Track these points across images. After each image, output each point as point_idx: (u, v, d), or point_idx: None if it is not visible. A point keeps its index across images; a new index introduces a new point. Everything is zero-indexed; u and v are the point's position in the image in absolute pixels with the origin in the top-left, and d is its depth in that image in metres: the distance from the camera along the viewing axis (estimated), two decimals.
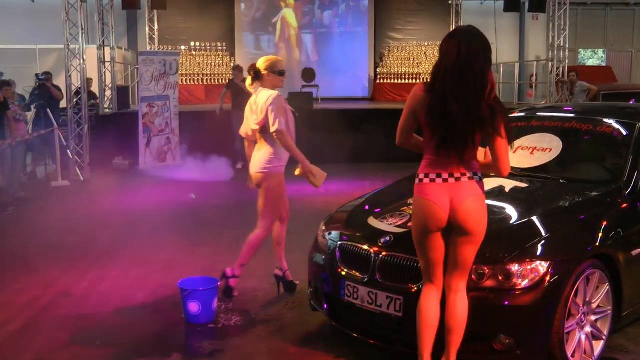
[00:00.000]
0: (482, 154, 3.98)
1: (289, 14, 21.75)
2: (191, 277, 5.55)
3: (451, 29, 22.47)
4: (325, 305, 4.72)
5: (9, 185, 10.40)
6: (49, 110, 12.47)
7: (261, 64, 5.57)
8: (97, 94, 15.67)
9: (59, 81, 14.08)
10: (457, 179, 3.72)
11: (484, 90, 3.61)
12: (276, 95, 5.42)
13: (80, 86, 13.28)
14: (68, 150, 12.68)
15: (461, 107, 3.59)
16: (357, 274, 4.37)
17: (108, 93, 16.21)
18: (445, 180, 3.72)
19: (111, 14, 16.60)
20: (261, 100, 5.46)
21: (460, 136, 3.63)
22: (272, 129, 5.34)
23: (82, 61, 13.22)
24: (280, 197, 5.69)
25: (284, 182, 5.71)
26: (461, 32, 3.76)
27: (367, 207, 4.98)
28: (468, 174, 3.73)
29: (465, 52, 3.59)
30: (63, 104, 13.63)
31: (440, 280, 3.89)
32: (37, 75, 13.53)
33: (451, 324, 3.80)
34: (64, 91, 13.43)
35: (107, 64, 16.08)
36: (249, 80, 5.65)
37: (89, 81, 13.50)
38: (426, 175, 3.77)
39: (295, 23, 21.75)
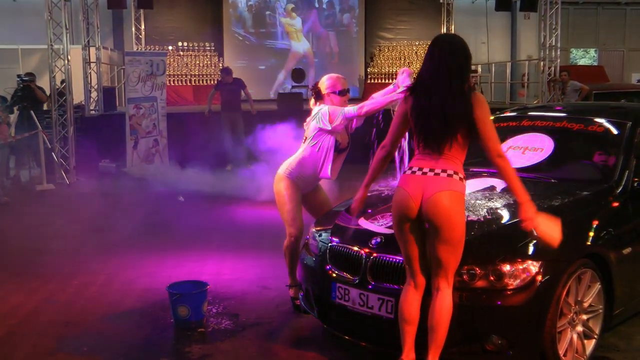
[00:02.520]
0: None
1: (286, 21, 21.78)
2: (180, 280, 5.57)
3: (442, 28, 22.80)
4: (316, 308, 4.75)
5: None
6: (32, 112, 12.42)
7: (322, 83, 5.51)
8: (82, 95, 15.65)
9: (43, 82, 14.03)
10: (436, 174, 3.85)
11: (461, 88, 3.85)
12: (327, 107, 5.37)
13: (63, 87, 13.25)
14: (53, 153, 12.65)
15: (437, 104, 3.85)
16: (348, 276, 4.40)
17: (94, 94, 16.15)
18: (424, 173, 3.88)
19: (96, 13, 16.52)
20: (314, 112, 5.46)
21: (437, 132, 3.85)
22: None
23: (66, 62, 13.18)
24: (283, 204, 5.57)
25: (293, 194, 5.49)
26: (441, 38, 4.14)
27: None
28: (448, 171, 3.85)
29: (441, 54, 3.90)
30: (47, 105, 13.60)
31: (418, 277, 3.96)
32: (19, 76, 13.45)
33: (429, 323, 3.86)
34: (47, 93, 13.38)
35: (92, 65, 16.02)
36: (312, 100, 5.63)
37: (62, 83, 13.41)
38: (410, 168, 3.97)
39: (297, 31, 21.78)
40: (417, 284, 3.97)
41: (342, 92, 5.45)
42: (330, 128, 5.28)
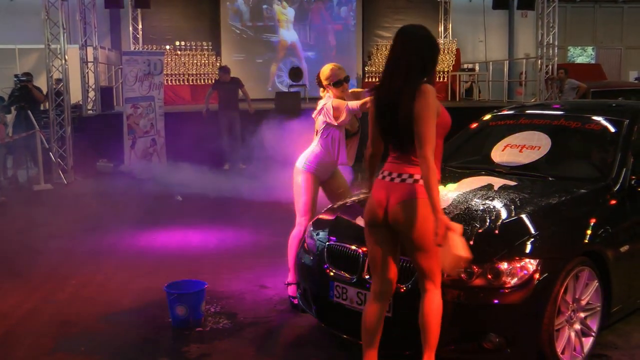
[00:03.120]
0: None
1: (280, 10, 21.78)
2: (178, 280, 5.56)
3: (440, 27, 22.76)
4: (314, 307, 4.76)
5: None
6: (29, 112, 12.41)
7: (322, 73, 5.56)
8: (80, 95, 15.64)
9: (40, 82, 14.01)
10: (402, 180, 3.73)
11: (415, 83, 3.66)
12: (331, 101, 5.43)
13: (61, 87, 13.25)
14: (50, 153, 12.64)
15: (395, 103, 3.70)
16: (346, 275, 4.40)
17: (91, 94, 16.15)
18: (391, 179, 3.78)
19: (93, 12, 16.50)
20: (319, 105, 5.54)
21: (398, 133, 3.73)
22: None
23: (63, 61, 13.18)
24: (299, 195, 5.62)
25: (310, 186, 5.55)
26: (404, 29, 3.85)
27: (356, 206, 5.00)
28: (415, 176, 3.71)
29: (403, 48, 3.75)
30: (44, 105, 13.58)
31: (383, 284, 3.90)
32: (16, 76, 13.44)
33: (420, 324, 3.80)
34: (44, 92, 13.36)
35: (89, 64, 16.02)
36: (321, 88, 5.67)
37: (57, 82, 13.39)
38: (381, 172, 3.88)
39: (288, 21, 21.79)
40: (382, 291, 3.92)
41: (337, 84, 5.49)
42: (336, 124, 5.41)
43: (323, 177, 5.63)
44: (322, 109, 5.46)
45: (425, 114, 3.60)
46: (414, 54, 3.70)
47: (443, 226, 3.50)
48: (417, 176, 3.70)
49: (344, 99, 5.49)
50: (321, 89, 5.65)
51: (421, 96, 3.61)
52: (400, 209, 3.70)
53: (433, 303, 3.77)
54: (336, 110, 5.35)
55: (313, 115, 5.62)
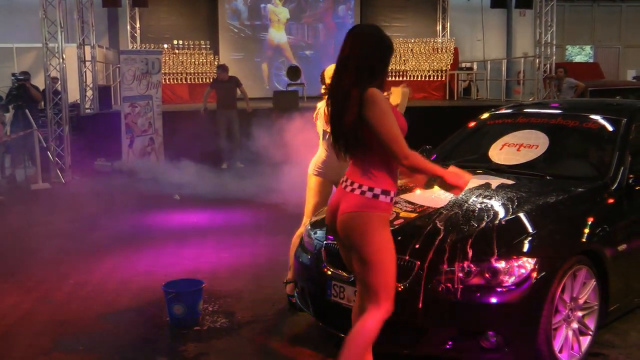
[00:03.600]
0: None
1: (273, 12, 21.79)
2: (176, 279, 5.57)
3: (438, 26, 22.77)
4: (312, 306, 4.76)
5: None
6: (27, 111, 12.40)
7: (326, 72, 5.45)
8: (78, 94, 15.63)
9: (38, 81, 14.00)
10: (352, 190, 3.50)
11: (362, 87, 3.40)
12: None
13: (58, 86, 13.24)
14: (48, 152, 12.63)
15: (339, 107, 3.50)
16: (343, 274, 4.40)
17: (89, 93, 16.14)
18: (345, 187, 3.57)
19: (91, 11, 16.45)
20: (317, 108, 5.52)
21: (343, 140, 3.53)
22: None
23: (61, 60, 13.17)
24: (311, 197, 5.60)
25: (322, 190, 5.56)
26: (352, 29, 3.58)
27: None
28: (363, 187, 3.47)
29: (352, 49, 3.47)
30: (42, 104, 13.57)
31: (357, 283, 3.77)
32: (14, 74, 13.44)
33: (346, 339, 3.57)
34: (42, 91, 13.35)
35: (87, 63, 16.00)
36: (322, 87, 5.62)
37: (53, 80, 13.38)
38: (342, 178, 3.66)
39: (280, 22, 21.80)
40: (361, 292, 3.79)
41: None
42: (329, 131, 5.33)
43: (335, 177, 5.61)
44: (318, 112, 5.44)
45: (383, 120, 3.36)
46: (362, 56, 3.44)
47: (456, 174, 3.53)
48: (365, 187, 3.46)
49: None
50: (323, 87, 5.63)
51: (371, 104, 3.36)
52: (345, 220, 3.51)
53: (365, 326, 3.51)
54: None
55: (314, 119, 5.60)
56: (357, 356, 3.49)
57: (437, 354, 4.09)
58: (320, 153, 5.54)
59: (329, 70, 5.49)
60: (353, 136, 3.45)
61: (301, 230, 5.57)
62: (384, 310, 3.52)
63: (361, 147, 3.48)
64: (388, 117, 3.37)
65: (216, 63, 19.12)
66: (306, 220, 5.57)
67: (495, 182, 4.96)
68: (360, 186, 3.48)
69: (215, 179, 11.91)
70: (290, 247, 5.60)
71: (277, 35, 21.85)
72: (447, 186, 3.59)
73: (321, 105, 5.44)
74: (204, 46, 20.78)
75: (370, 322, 3.51)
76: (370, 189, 3.47)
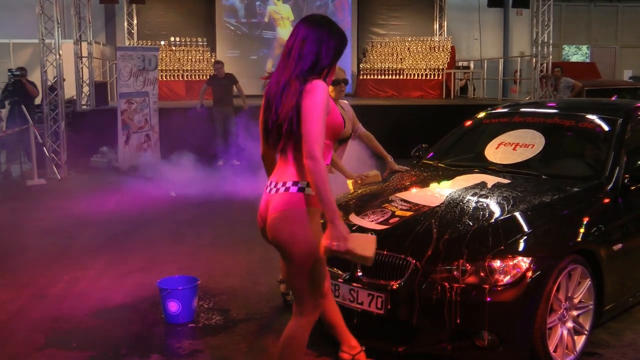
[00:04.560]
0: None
1: (274, 11, 21.77)
2: (170, 276, 5.55)
3: (435, 24, 22.77)
4: None
5: None
6: (23, 106, 12.37)
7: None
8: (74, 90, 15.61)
9: (34, 77, 13.97)
10: (276, 190, 3.35)
11: (305, 77, 3.24)
12: None
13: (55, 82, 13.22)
14: (44, 148, 12.60)
15: (277, 95, 3.31)
16: (339, 272, 4.39)
17: (86, 89, 16.12)
18: (270, 191, 3.40)
19: (88, 7, 16.46)
20: None
21: (272, 128, 3.35)
22: None
23: (57, 56, 13.14)
24: None
25: None
26: (302, 19, 3.41)
27: (348, 203, 5.00)
28: (287, 184, 3.32)
29: (296, 37, 3.32)
30: (38, 100, 13.54)
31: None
32: (10, 70, 13.42)
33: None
34: (39, 87, 13.33)
35: (84, 60, 15.99)
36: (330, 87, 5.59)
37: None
38: (267, 184, 3.50)
39: (284, 19, 21.78)
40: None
41: (335, 82, 5.40)
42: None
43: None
44: None
45: (311, 111, 3.16)
46: (308, 45, 3.27)
47: (341, 236, 3.14)
48: (288, 183, 3.31)
49: (338, 100, 5.47)
50: (330, 89, 5.56)
51: (308, 92, 3.18)
52: (273, 221, 3.31)
53: (293, 335, 3.48)
54: None
55: None
56: None
57: (432, 352, 4.08)
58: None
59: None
60: (288, 129, 3.23)
61: None
62: (310, 314, 3.46)
63: (291, 142, 3.28)
64: (318, 110, 3.17)
65: (213, 60, 19.10)
66: None
67: (491, 181, 4.95)
68: (283, 184, 3.32)
69: (211, 176, 11.91)
70: None
71: (284, 32, 21.82)
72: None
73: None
74: (201, 43, 20.77)
75: (299, 331, 3.46)
76: (295, 183, 3.30)
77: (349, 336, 4.03)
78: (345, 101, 5.66)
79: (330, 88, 5.39)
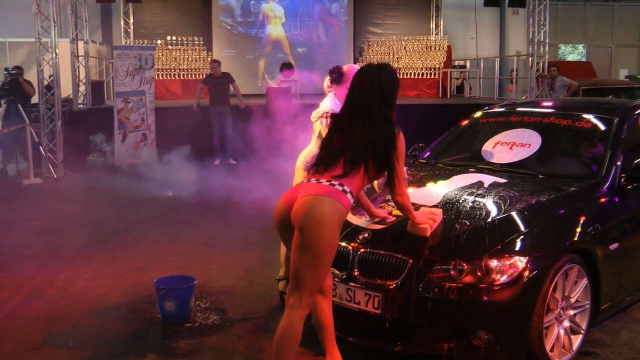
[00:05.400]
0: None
1: (269, 9, 21.76)
2: (167, 275, 5.55)
3: (432, 23, 22.80)
4: None
5: None
6: (19, 105, 12.35)
7: (347, 69, 5.29)
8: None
9: (30, 76, 13.94)
10: (319, 181, 3.67)
11: (391, 118, 3.79)
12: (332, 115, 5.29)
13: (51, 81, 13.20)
14: (40, 147, 12.57)
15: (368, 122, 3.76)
16: (336, 271, 4.38)
17: (82, 88, 16.09)
18: (308, 181, 3.76)
19: (84, 6, 16.38)
20: (320, 109, 5.34)
21: (356, 148, 3.74)
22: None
23: (54, 55, 13.10)
24: None
25: None
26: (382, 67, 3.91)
27: None
28: (333, 182, 3.64)
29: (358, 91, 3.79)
30: (35, 99, 13.52)
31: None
32: (6, 69, 13.39)
33: (273, 344, 3.68)
34: (35, 86, 13.30)
35: (80, 58, 15.96)
36: (327, 81, 5.48)
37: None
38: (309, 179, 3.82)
39: (276, 17, 21.77)
40: (323, 289, 3.92)
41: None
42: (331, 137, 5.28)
43: None
44: (318, 116, 5.28)
45: (400, 160, 3.81)
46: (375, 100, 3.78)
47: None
48: (335, 182, 3.61)
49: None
50: (328, 81, 5.43)
51: (400, 141, 3.78)
52: (307, 201, 3.55)
53: (291, 327, 3.60)
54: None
55: (312, 118, 5.46)
56: (284, 355, 3.60)
57: (428, 352, 4.08)
58: (312, 150, 5.49)
59: (351, 69, 5.30)
60: (384, 151, 3.69)
61: None
62: (305, 306, 3.63)
63: (365, 165, 3.68)
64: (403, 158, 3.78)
65: (209, 59, 19.08)
66: None
67: (487, 180, 4.95)
68: (329, 181, 3.62)
69: (208, 175, 11.90)
70: (280, 244, 5.58)
71: (275, 29, 21.81)
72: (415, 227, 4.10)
73: (327, 109, 5.17)
74: (197, 42, 20.73)
75: (296, 323, 3.60)
76: (341, 185, 3.61)
77: (334, 347, 4.05)
78: None
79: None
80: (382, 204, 4.70)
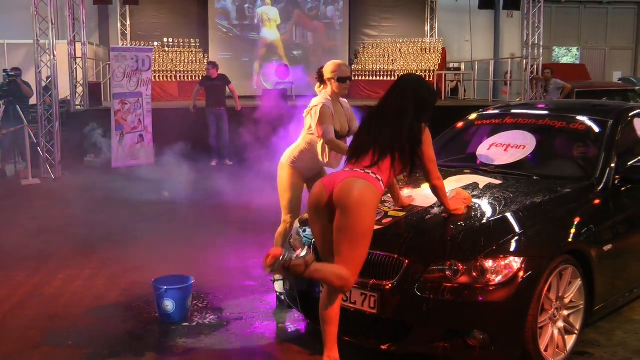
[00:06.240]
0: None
1: (265, 11, 21.78)
2: (165, 275, 5.55)
3: (426, 26, 22.82)
4: (300, 302, 4.75)
5: None
6: (18, 106, 12.34)
7: (326, 67, 5.48)
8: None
9: (28, 77, 13.93)
10: (353, 169, 4.02)
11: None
12: (321, 106, 5.32)
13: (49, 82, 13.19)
14: (38, 148, 12.57)
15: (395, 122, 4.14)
16: None
17: (79, 89, 16.08)
18: (342, 169, 4.15)
19: (82, 8, 16.36)
20: (311, 104, 5.44)
21: (385, 140, 4.08)
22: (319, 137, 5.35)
23: (52, 57, 13.10)
24: (284, 191, 5.62)
25: (295, 182, 5.57)
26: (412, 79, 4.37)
27: None
28: (368, 170, 3.98)
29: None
30: (33, 100, 13.51)
31: None
32: (5, 70, 13.39)
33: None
34: (33, 87, 13.29)
35: (78, 60, 15.94)
36: (317, 85, 5.59)
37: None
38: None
39: (271, 20, 21.78)
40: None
41: (341, 79, 5.40)
42: (318, 137, 5.34)
43: (308, 174, 5.60)
44: (311, 110, 5.39)
45: (432, 149, 4.25)
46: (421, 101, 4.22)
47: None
48: (369, 171, 3.94)
49: (344, 96, 5.54)
50: (317, 85, 5.57)
51: (427, 136, 4.22)
52: (349, 182, 3.87)
53: (340, 270, 3.84)
54: (320, 119, 5.27)
55: (304, 114, 5.56)
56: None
57: (423, 351, 4.09)
58: (300, 145, 5.50)
59: (329, 65, 5.48)
60: (410, 148, 4.04)
61: (282, 227, 5.58)
62: (349, 278, 3.84)
63: (392, 157, 4.01)
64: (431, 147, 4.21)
65: (205, 61, 19.09)
66: (285, 217, 5.57)
67: (482, 182, 4.97)
68: (362, 169, 3.96)
69: (204, 176, 11.90)
70: (273, 245, 5.60)
71: (270, 33, 21.84)
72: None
73: (317, 103, 5.39)
74: (194, 44, 20.74)
75: (343, 272, 3.81)
76: (373, 173, 3.94)
77: (334, 345, 4.07)
78: (345, 100, 5.65)
79: (335, 84, 5.40)
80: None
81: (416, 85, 4.23)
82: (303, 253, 3.69)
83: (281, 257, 3.61)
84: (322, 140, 5.34)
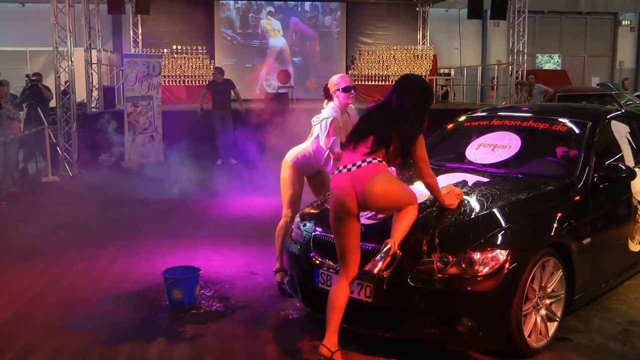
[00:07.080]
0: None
1: (267, 24, 21.76)
2: (174, 266, 5.55)
3: (418, 34, 22.77)
4: (301, 292, 4.75)
5: (2, 180, 10.26)
6: (39, 109, 12.35)
7: (330, 82, 5.42)
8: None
9: (48, 82, 13.94)
10: (359, 166, 4.06)
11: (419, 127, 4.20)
12: (332, 119, 5.27)
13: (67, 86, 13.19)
14: (57, 148, 12.58)
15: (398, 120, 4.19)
16: (331, 263, 4.40)
17: (95, 93, 16.07)
18: (349, 170, 4.12)
19: (97, 18, 16.39)
20: (322, 116, 5.38)
21: (384, 134, 4.16)
22: (326, 147, 5.30)
23: (70, 63, 13.15)
24: (286, 188, 5.58)
25: (296, 181, 5.52)
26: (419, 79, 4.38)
27: None
28: (366, 158, 4.07)
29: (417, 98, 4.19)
30: (52, 103, 13.51)
31: (351, 268, 4.10)
32: (27, 75, 13.38)
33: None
34: (53, 91, 13.30)
35: (93, 66, 15.92)
36: (325, 102, 5.51)
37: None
38: (337, 170, 4.21)
39: (275, 30, 21.77)
40: (349, 275, 4.06)
41: (346, 89, 5.35)
42: (325, 148, 5.30)
43: (308, 173, 5.60)
44: (322, 121, 5.31)
45: (425, 151, 4.29)
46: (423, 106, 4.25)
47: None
48: (368, 159, 4.03)
49: (350, 107, 5.49)
50: (325, 102, 5.49)
51: (420, 140, 4.25)
52: (371, 184, 3.95)
53: (412, 211, 4.13)
54: (330, 132, 5.22)
55: (312, 122, 5.49)
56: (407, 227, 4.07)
57: (416, 337, 4.10)
58: (307, 148, 5.47)
59: (333, 78, 5.41)
60: (406, 143, 4.12)
61: (283, 221, 5.56)
62: (414, 206, 4.14)
63: (387, 148, 4.11)
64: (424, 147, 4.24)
65: (212, 67, 19.06)
66: (286, 212, 5.54)
67: (471, 179, 4.97)
68: (362, 160, 4.03)
69: (210, 174, 11.90)
70: (276, 239, 5.59)
71: (276, 41, 21.83)
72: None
73: (328, 116, 5.29)
74: (201, 51, 20.74)
75: (409, 213, 4.08)
76: (374, 159, 4.04)
77: (335, 332, 4.05)
78: (352, 106, 5.61)
79: (341, 95, 5.35)
80: None
81: (420, 83, 4.28)
82: (381, 255, 3.92)
83: (373, 269, 3.91)
84: (328, 151, 5.33)
